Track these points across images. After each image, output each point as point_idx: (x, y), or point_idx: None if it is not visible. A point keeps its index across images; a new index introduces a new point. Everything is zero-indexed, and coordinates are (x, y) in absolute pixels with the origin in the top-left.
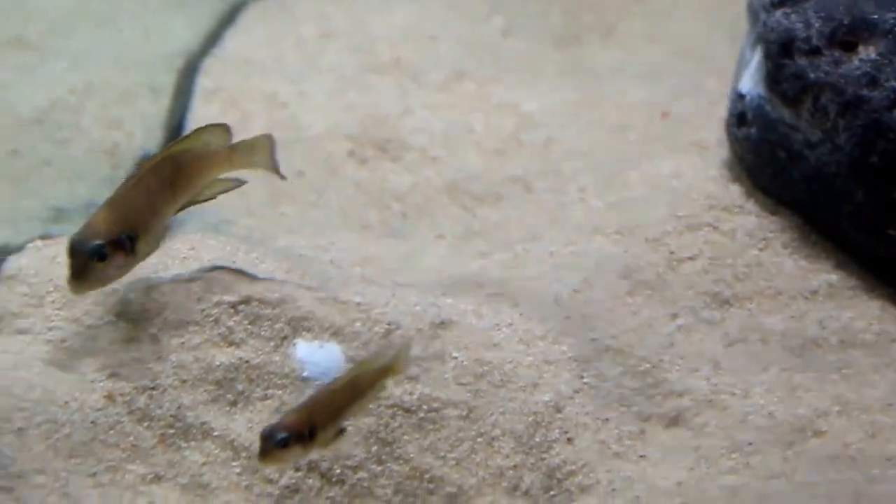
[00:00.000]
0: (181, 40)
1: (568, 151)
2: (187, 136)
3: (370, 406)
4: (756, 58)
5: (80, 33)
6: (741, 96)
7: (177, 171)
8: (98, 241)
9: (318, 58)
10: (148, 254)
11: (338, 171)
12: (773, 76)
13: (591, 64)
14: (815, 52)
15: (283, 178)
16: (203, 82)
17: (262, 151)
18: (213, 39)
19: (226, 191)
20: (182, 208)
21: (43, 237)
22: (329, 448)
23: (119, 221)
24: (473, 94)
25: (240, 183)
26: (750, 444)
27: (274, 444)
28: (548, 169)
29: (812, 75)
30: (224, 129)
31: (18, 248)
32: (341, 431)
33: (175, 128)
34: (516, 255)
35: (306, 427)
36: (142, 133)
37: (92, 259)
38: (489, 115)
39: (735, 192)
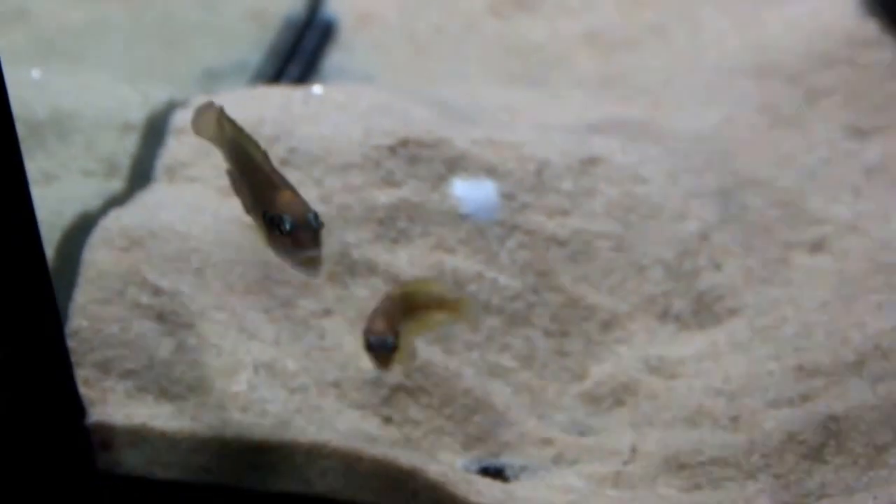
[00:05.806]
0: None
1: None
2: None
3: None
4: None
5: None
6: None
7: None
8: None
9: None
10: None
11: (476, 25)
12: None
13: None
14: None
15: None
16: None
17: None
18: None
19: None
20: None
21: (206, 93)
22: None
23: None
24: None
25: None
26: (893, 265)
27: None
28: (683, 15)
29: None
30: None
31: (183, 104)
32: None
33: None
34: (655, 97)
35: None
36: None
37: None
38: None
39: (872, 28)
